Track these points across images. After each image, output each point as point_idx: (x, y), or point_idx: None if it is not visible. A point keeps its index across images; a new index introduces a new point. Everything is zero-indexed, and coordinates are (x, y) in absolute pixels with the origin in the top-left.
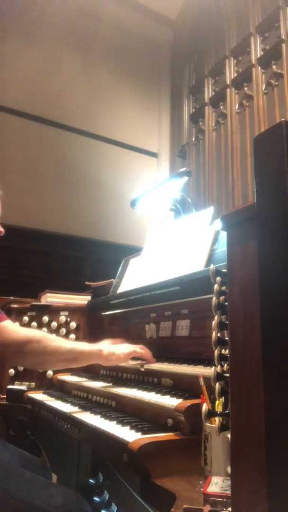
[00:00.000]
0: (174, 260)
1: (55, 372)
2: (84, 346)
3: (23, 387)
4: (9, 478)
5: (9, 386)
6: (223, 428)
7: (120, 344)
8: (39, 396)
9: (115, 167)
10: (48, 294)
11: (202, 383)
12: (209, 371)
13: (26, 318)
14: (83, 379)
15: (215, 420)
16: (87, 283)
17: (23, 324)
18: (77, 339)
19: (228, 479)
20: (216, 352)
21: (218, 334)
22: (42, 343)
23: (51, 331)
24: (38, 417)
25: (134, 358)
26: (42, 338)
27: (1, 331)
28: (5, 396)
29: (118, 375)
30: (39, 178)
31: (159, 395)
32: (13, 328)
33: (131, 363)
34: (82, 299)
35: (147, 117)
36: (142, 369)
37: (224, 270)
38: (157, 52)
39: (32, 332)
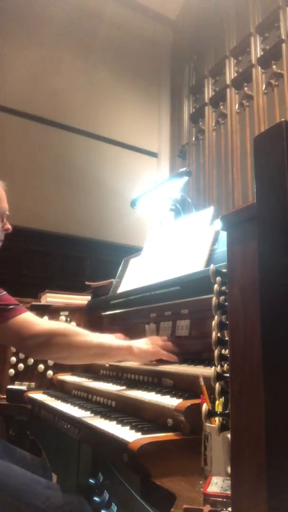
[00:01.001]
0: (174, 260)
1: (55, 372)
2: (112, 341)
3: (23, 387)
4: (9, 478)
5: (9, 386)
6: (223, 428)
7: (142, 340)
8: (39, 396)
9: (115, 167)
10: (48, 294)
11: (202, 383)
12: (209, 371)
13: None
14: (83, 379)
15: (215, 420)
16: (87, 283)
17: None
18: None
19: (228, 479)
20: (216, 352)
21: (218, 334)
22: (67, 336)
23: None
24: (38, 417)
25: None
26: (67, 331)
27: (23, 323)
28: (5, 396)
29: (118, 375)
30: (39, 178)
31: (159, 395)
32: (36, 320)
33: (131, 362)
34: (82, 299)
35: (147, 117)
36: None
37: (224, 270)
38: (157, 52)
39: (56, 325)
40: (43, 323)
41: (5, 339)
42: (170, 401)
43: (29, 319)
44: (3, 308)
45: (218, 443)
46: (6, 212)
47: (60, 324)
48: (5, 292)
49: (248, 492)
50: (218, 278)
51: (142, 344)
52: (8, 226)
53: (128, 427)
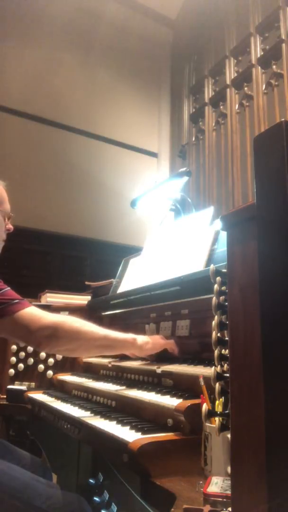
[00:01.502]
0: (174, 260)
1: (55, 372)
2: (117, 334)
3: (23, 387)
4: (9, 478)
5: (9, 386)
6: (223, 428)
7: (144, 336)
8: (39, 396)
9: (115, 167)
10: (48, 294)
11: (202, 383)
12: (209, 371)
13: None
14: (83, 379)
15: (215, 420)
16: (87, 283)
17: None
18: None
19: (228, 479)
20: (216, 352)
21: (218, 334)
22: (75, 327)
23: None
24: (38, 417)
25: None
26: (74, 322)
27: (31, 316)
28: (5, 396)
29: (118, 375)
30: (39, 178)
31: (159, 395)
32: (42, 314)
33: (132, 362)
34: (82, 299)
35: (147, 117)
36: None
37: (224, 270)
38: (157, 52)
39: (63, 317)
40: (50, 316)
41: (13, 333)
42: (170, 401)
43: (35, 312)
44: (8, 302)
45: (218, 443)
46: (10, 213)
47: (67, 317)
48: (9, 288)
49: (248, 492)
50: (218, 278)
51: (145, 338)
52: (10, 226)
53: (128, 427)
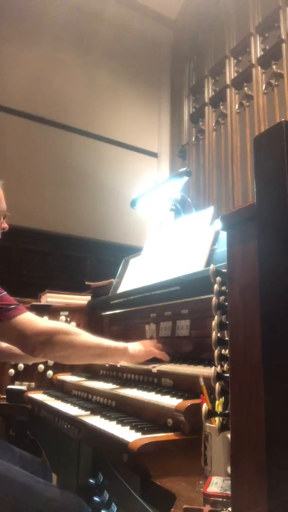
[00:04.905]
0: (174, 260)
1: (55, 372)
2: (109, 342)
3: (23, 387)
4: (9, 479)
5: (9, 386)
6: (223, 428)
7: (140, 342)
8: (39, 396)
9: (115, 167)
10: (48, 294)
11: (202, 383)
12: (209, 371)
13: None
14: (83, 379)
15: (215, 420)
16: (87, 283)
17: None
18: None
19: (228, 479)
20: (216, 352)
21: (218, 334)
22: (69, 335)
23: None
24: (38, 417)
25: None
26: (68, 330)
27: (26, 322)
28: (5, 396)
29: (118, 375)
30: (39, 178)
31: (159, 395)
32: (37, 320)
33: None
34: (82, 299)
35: (147, 117)
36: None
37: (224, 270)
38: (157, 52)
39: (58, 324)
40: (45, 322)
41: (8, 338)
42: (170, 401)
43: (31, 318)
44: (4, 307)
45: (218, 443)
46: (6, 212)
47: (61, 324)
48: (5, 293)
49: (248, 492)
50: (218, 278)
51: (136, 345)
52: (5, 225)
53: (128, 427)
